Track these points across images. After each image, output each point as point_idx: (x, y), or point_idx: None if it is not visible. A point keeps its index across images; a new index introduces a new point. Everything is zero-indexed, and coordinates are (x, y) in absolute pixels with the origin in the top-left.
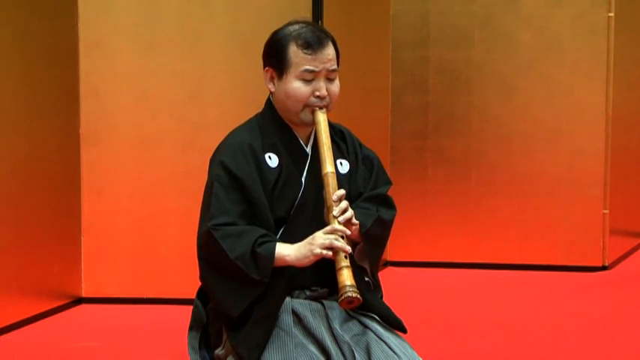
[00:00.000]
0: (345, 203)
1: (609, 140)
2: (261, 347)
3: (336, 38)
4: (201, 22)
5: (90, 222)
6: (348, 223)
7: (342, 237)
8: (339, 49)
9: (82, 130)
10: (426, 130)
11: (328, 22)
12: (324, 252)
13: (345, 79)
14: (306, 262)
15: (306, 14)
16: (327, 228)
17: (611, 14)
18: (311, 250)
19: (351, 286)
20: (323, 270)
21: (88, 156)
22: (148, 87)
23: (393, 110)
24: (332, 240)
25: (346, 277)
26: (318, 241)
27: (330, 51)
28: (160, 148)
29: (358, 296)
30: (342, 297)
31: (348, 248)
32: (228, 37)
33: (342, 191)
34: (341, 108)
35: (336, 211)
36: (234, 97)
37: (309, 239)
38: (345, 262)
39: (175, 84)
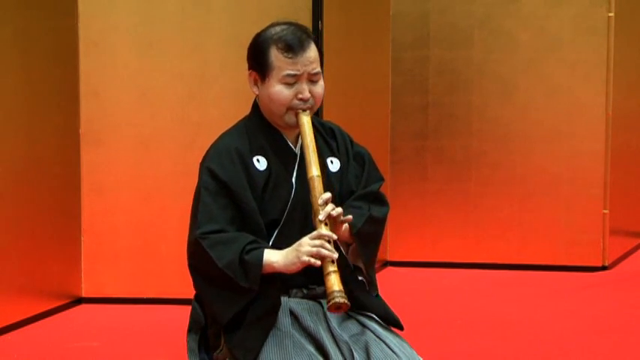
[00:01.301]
0: (330, 206)
1: (609, 140)
2: (257, 350)
3: (335, 39)
4: (201, 22)
5: (90, 222)
6: (337, 220)
7: (329, 242)
8: (323, 51)
9: (82, 130)
10: (425, 130)
11: (328, 22)
12: (312, 260)
13: (345, 79)
14: (293, 268)
15: (306, 14)
16: (314, 233)
17: (611, 14)
18: (298, 257)
19: (339, 291)
20: (319, 269)
21: (88, 156)
22: (148, 87)
23: (393, 110)
24: (319, 248)
25: (334, 282)
26: (305, 249)
27: (311, 54)
28: (160, 148)
29: (346, 302)
30: (330, 302)
31: (335, 255)
32: (228, 37)
33: (328, 194)
34: (341, 108)
35: (321, 215)
36: (234, 97)
37: (295, 245)
38: (332, 267)
39: (175, 84)
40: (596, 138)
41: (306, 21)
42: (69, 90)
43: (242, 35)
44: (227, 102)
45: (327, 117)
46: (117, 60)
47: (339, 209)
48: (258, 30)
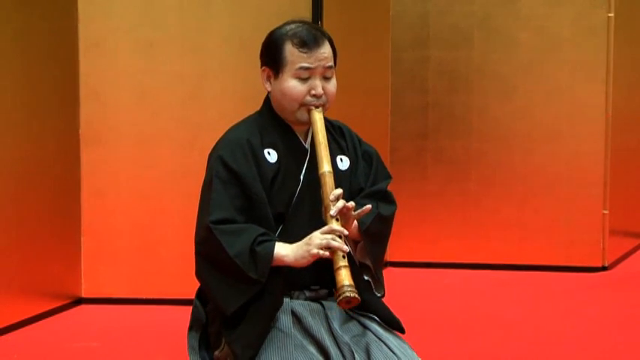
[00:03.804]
0: (341, 202)
1: (609, 140)
2: (256, 347)
3: (335, 39)
4: (201, 22)
5: (90, 222)
6: (348, 215)
7: (340, 236)
8: (337, 50)
9: (82, 131)
10: (425, 130)
11: (328, 23)
12: (321, 252)
13: (345, 79)
14: (303, 262)
15: (306, 14)
16: (325, 228)
17: (611, 14)
18: (308, 251)
19: (349, 285)
20: (322, 269)
21: (87, 156)
22: (148, 87)
23: (393, 110)
24: (329, 240)
25: (344, 276)
26: (315, 241)
27: (326, 49)
28: (160, 148)
29: (356, 296)
30: (341, 297)
31: (346, 247)
32: (228, 37)
33: (340, 190)
34: (341, 108)
35: (333, 211)
36: (234, 97)
37: (306, 239)
38: (343, 262)
39: (175, 84)
40: (596, 138)
41: None
42: (69, 90)
43: (242, 35)
44: (227, 102)
45: (327, 116)
46: (117, 60)
47: (352, 203)
48: (258, 30)
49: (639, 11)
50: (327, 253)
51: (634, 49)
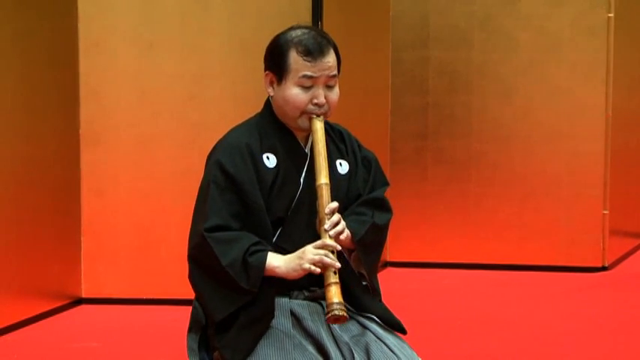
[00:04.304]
0: (336, 217)
1: (609, 141)
2: (246, 352)
3: (336, 39)
4: (201, 22)
5: (90, 222)
6: (338, 236)
7: (333, 252)
8: (340, 56)
9: (82, 131)
10: (425, 130)
11: (328, 23)
12: (313, 268)
13: (345, 79)
14: (295, 275)
15: (306, 15)
16: (318, 242)
17: (611, 15)
18: (300, 265)
19: (338, 303)
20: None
21: (88, 156)
22: (148, 87)
23: (393, 111)
24: (322, 256)
25: (334, 293)
26: (308, 256)
27: (330, 58)
28: (160, 148)
29: (345, 314)
30: (329, 314)
31: (338, 264)
32: (228, 37)
33: (335, 204)
34: (341, 109)
35: (327, 225)
36: (234, 98)
37: (299, 253)
38: (333, 279)
39: (175, 84)
40: (596, 138)
41: (306, 21)
42: (69, 90)
43: (242, 35)
44: (227, 102)
45: (327, 119)
46: (117, 60)
47: (343, 224)
48: (258, 30)
49: (639, 11)
50: (318, 270)
51: (634, 49)
